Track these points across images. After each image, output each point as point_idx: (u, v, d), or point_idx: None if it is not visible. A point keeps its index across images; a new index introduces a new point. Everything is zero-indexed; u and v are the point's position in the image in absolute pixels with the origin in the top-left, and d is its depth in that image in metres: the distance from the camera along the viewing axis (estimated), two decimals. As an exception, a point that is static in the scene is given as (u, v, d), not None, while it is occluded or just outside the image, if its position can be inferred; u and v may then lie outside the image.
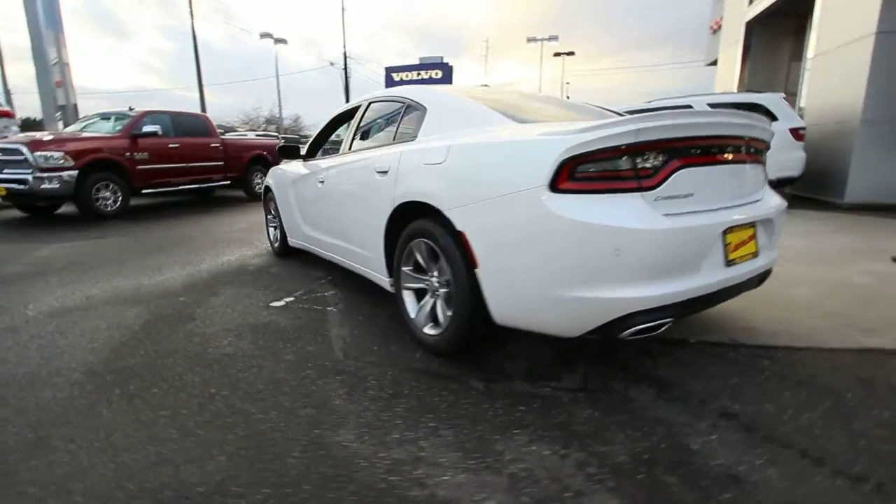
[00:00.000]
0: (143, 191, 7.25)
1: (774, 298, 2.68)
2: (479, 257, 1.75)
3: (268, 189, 4.42)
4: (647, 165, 1.53)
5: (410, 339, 2.31)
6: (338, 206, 2.84)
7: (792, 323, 2.40)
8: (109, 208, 6.69)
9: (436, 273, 2.12)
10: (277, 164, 4.42)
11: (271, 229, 4.53)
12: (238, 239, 5.14)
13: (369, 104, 2.92)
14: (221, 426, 1.62)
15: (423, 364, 2.07)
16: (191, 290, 3.25)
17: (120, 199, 6.79)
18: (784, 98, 6.43)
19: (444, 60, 38.12)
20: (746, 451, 1.43)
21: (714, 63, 15.11)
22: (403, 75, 40.66)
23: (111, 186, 6.70)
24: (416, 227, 2.12)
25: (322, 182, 3.03)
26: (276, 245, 4.36)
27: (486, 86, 2.66)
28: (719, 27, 14.16)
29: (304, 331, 2.49)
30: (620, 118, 1.52)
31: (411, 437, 1.54)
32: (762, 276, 2.00)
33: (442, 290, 2.09)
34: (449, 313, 1.99)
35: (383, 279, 2.52)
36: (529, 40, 27.32)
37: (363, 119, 2.91)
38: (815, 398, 1.72)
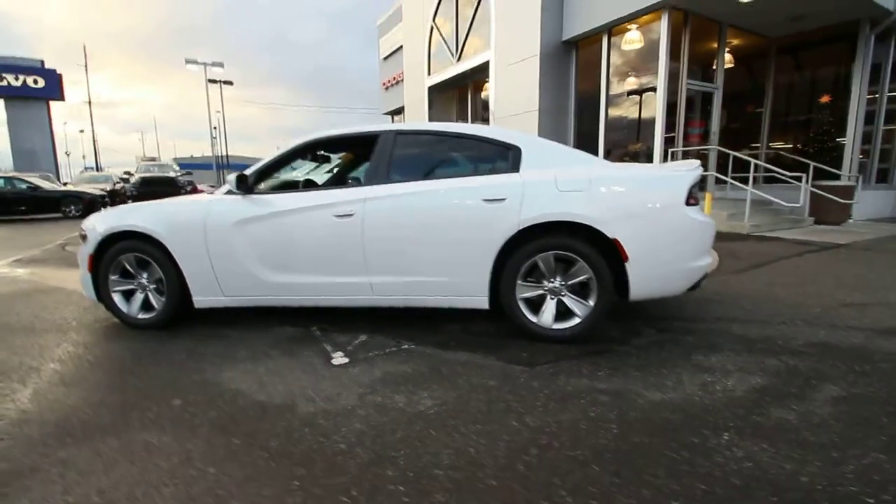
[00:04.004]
0: None
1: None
2: (630, 253, 2.53)
3: (112, 240, 3.11)
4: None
5: (525, 341, 2.71)
6: (396, 241, 2.75)
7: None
8: None
9: (558, 277, 2.68)
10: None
11: (117, 295, 3.21)
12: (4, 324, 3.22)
13: (396, 136, 2.93)
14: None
15: (574, 350, 2.59)
16: (167, 392, 2.23)
17: None
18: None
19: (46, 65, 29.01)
20: (770, 329, 2.87)
21: (391, 112, 18.67)
22: (-31, 78, 28.44)
23: None
24: (546, 242, 2.60)
25: (349, 216, 2.77)
26: (142, 315, 3.17)
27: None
28: (392, 84, 17.68)
29: (441, 367, 2.42)
30: (695, 163, 2.70)
31: (676, 380, 2.19)
32: None
33: (566, 290, 2.68)
34: (590, 303, 2.62)
35: (480, 299, 2.75)
36: (189, 62, 24.55)
37: (395, 151, 2.90)
38: (736, 305, 3.42)
